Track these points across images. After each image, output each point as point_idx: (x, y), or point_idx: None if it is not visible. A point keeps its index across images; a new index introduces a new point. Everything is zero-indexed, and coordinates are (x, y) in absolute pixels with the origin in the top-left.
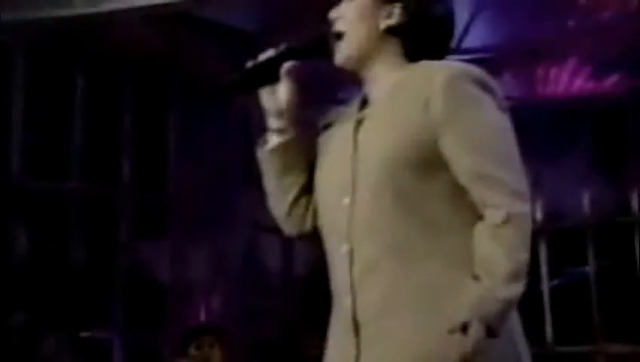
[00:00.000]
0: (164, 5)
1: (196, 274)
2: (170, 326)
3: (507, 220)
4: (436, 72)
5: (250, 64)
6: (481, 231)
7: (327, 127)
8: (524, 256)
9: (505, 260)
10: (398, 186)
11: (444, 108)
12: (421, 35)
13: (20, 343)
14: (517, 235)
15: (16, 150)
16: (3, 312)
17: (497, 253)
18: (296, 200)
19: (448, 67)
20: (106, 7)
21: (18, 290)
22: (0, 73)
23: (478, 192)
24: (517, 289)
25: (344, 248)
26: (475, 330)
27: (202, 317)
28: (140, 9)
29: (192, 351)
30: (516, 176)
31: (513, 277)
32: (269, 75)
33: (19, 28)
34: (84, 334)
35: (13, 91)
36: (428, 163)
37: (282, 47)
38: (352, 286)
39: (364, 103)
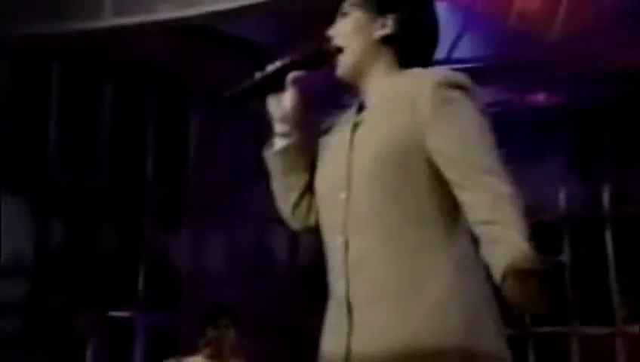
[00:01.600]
0: (186, 18)
1: (212, 261)
2: (187, 308)
3: (498, 199)
4: (424, 78)
5: (258, 74)
6: (477, 211)
7: (329, 130)
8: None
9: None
10: (387, 182)
11: (430, 110)
12: (413, 42)
13: (57, 320)
14: (512, 209)
15: (52, 150)
16: (42, 294)
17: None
18: (300, 198)
19: (435, 74)
20: (133, 20)
21: (55, 275)
22: (37, 82)
23: (467, 182)
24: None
25: (340, 239)
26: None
27: (217, 300)
28: (164, 22)
29: (210, 330)
30: (499, 164)
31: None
32: (275, 84)
33: (54, 39)
34: (111, 314)
35: (50, 98)
36: (414, 160)
37: (287, 59)
38: (346, 274)
39: (361, 108)
